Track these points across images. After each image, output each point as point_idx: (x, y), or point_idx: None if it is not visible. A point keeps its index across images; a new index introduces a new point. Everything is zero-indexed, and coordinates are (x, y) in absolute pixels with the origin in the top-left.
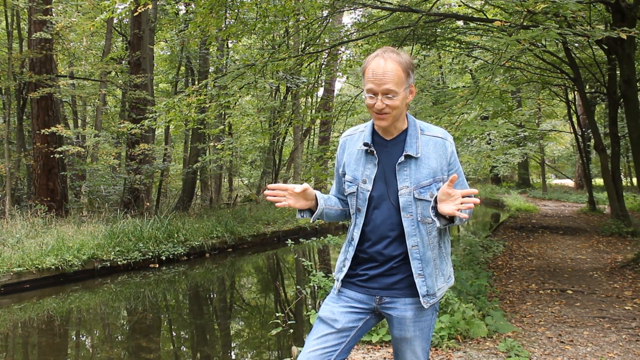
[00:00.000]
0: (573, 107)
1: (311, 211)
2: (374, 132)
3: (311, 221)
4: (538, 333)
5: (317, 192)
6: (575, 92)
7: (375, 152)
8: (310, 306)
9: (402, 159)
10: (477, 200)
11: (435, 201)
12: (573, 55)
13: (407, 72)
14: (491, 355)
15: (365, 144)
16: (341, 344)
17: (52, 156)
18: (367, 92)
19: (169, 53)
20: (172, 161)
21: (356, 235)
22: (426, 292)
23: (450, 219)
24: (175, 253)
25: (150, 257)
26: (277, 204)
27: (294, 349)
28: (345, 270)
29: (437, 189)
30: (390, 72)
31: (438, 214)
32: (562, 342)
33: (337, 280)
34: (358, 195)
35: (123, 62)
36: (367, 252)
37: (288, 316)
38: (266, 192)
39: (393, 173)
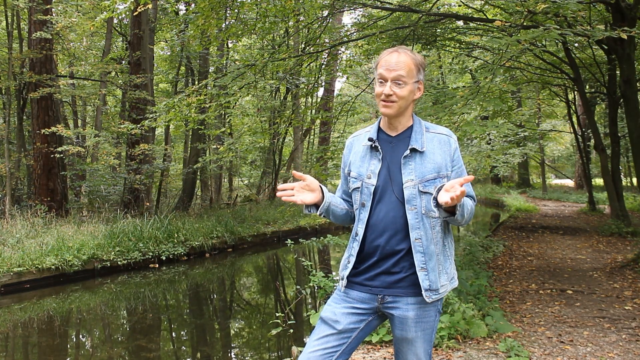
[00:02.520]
0: (573, 107)
1: (317, 206)
2: (379, 130)
3: (318, 214)
4: (538, 333)
5: (324, 187)
6: (575, 92)
7: (379, 147)
8: (310, 306)
9: (407, 152)
10: (464, 189)
11: (438, 192)
12: (573, 55)
13: (417, 67)
14: (491, 355)
15: (370, 139)
16: (342, 345)
17: (52, 156)
18: (377, 79)
19: (169, 53)
20: (172, 161)
21: (360, 230)
22: (429, 287)
23: (450, 211)
24: (175, 253)
25: (150, 257)
26: (291, 200)
27: (294, 349)
28: (350, 266)
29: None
30: (402, 62)
31: (438, 205)
32: (562, 342)
33: (342, 278)
34: (362, 190)
35: (123, 62)
36: (371, 247)
37: (288, 316)
38: (279, 193)
39: (398, 167)
